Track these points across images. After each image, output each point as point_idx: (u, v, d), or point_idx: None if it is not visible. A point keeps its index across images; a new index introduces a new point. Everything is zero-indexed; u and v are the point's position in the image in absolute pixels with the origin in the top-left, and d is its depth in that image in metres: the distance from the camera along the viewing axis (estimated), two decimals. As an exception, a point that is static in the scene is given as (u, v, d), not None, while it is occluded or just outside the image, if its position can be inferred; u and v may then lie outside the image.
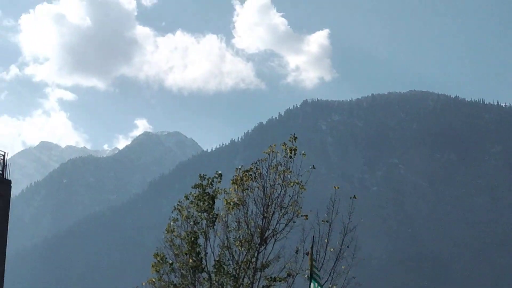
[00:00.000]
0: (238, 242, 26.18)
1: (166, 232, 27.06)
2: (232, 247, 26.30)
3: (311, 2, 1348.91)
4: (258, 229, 26.15)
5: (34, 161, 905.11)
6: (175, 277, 26.47)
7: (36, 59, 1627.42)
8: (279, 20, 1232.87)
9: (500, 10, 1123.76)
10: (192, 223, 26.71)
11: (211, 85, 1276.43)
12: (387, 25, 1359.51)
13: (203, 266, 26.31)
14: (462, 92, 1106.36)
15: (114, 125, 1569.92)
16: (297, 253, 25.63)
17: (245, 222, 26.21)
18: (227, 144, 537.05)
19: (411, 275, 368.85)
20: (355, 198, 26.47)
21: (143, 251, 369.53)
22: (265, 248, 26.28)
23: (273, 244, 26.36)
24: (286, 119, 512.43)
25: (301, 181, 26.42)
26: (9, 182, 32.06)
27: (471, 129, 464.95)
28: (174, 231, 26.87)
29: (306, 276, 24.58)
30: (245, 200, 26.37)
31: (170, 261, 26.57)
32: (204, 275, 26.39)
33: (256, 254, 26.16)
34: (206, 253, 26.41)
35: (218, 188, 26.99)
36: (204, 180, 27.08)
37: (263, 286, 26.17)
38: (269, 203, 26.22)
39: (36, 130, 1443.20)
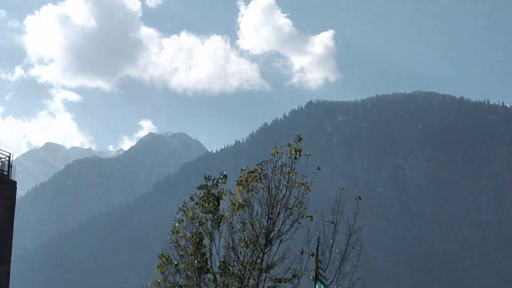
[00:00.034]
0: (243, 243, 26.20)
1: (171, 233, 27.11)
2: (237, 248, 26.33)
3: (315, 3, 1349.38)
4: (263, 230, 26.17)
5: (39, 162, 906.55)
6: (180, 278, 26.51)
7: (41, 60, 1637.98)
8: (283, 21, 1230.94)
9: (506, 11, 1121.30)
10: (197, 224, 26.76)
11: (216, 86, 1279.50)
12: (391, 25, 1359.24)
13: (208, 267, 26.35)
14: (467, 92, 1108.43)
15: (119, 126, 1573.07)
16: (302, 254, 25.64)
17: (250, 223, 26.23)
18: (232, 145, 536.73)
19: (416, 276, 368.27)
20: (360, 199, 26.52)
21: (148, 252, 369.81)
22: (270, 249, 26.30)
23: (278, 245, 26.39)
24: (291, 120, 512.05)
25: (306, 182, 26.43)
26: (15, 183, 32.05)
27: (476, 130, 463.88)
28: (179, 232, 26.92)
29: (311, 277, 24.58)
30: (250, 201, 26.40)
31: (175, 262, 26.62)
32: (209, 276, 26.42)
33: (261, 255, 26.18)
34: (211, 254, 26.45)
35: (223, 189, 27.04)
36: (209, 181, 27.12)
37: (268, 287, 26.19)
38: (274, 204, 26.24)
39: (41, 131, 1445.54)
